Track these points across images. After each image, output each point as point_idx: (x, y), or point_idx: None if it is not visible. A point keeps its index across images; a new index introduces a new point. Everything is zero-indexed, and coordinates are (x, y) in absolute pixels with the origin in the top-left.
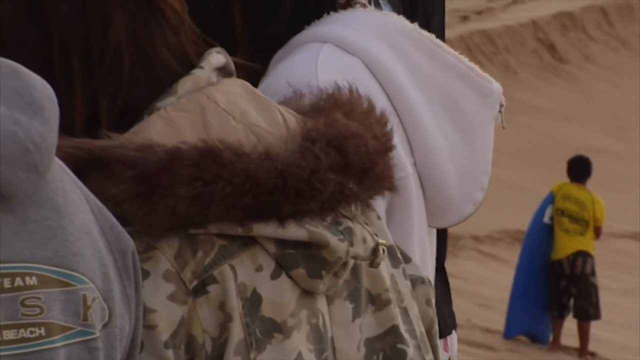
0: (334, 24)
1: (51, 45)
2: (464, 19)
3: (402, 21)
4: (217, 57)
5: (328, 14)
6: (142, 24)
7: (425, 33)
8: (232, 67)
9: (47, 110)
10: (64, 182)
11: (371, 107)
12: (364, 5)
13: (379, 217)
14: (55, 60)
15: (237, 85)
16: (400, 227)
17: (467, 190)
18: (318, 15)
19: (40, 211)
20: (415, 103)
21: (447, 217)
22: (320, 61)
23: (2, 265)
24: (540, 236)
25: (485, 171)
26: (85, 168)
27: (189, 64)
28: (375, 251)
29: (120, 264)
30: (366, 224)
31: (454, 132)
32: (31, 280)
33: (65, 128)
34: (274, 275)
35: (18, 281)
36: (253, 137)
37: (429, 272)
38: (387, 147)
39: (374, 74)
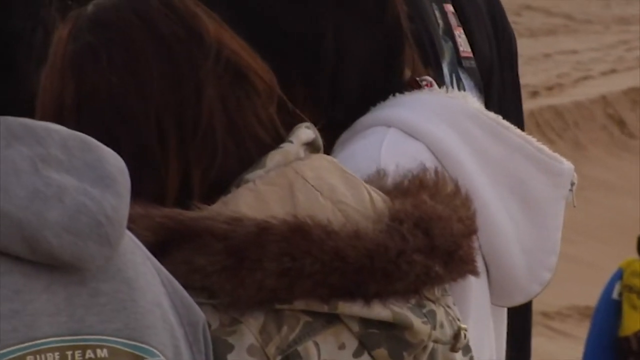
0: (399, 107)
1: (148, 116)
2: (534, 94)
3: (467, 103)
4: (306, 131)
5: (394, 95)
6: (233, 95)
7: (491, 114)
8: (320, 142)
9: (119, 183)
10: (135, 254)
11: (457, 189)
12: (430, 83)
13: (454, 303)
14: (151, 131)
15: (325, 161)
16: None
17: (534, 271)
18: (384, 96)
19: (112, 284)
20: (480, 185)
21: (513, 296)
22: (384, 147)
23: (73, 337)
24: (609, 312)
25: (553, 251)
26: (175, 238)
27: (278, 137)
28: (456, 335)
29: (191, 337)
30: (448, 307)
31: (521, 213)
32: (102, 353)
33: (157, 198)
34: (357, 354)
35: (89, 353)
36: (340, 215)
37: (486, 351)
38: (471, 230)
39: (438, 158)
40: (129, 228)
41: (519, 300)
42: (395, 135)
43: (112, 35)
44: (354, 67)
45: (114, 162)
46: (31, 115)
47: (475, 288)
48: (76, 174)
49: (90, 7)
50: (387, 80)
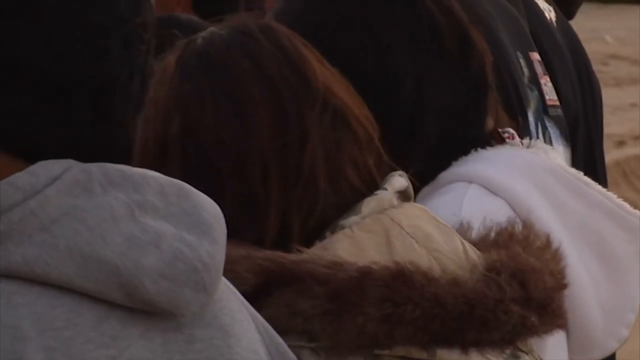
0: (480, 163)
1: (251, 160)
2: (620, 144)
3: (549, 158)
4: (399, 180)
5: (475, 148)
6: (334, 141)
7: (572, 170)
8: (412, 191)
9: (215, 230)
10: (231, 301)
11: (548, 243)
12: (512, 136)
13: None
14: (254, 174)
15: (418, 209)
16: None
17: (612, 327)
18: (465, 147)
19: (208, 330)
20: (559, 241)
21: (590, 352)
22: (465, 202)
23: None
24: None
25: (632, 308)
26: (277, 281)
27: (373, 184)
28: None
29: None
30: (540, 359)
31: (599, 270)
32: None
33: (256, 241)
34: None
35: None
36: (435, 263)
37: None
38: (562, 284)
39: (518, 214)
40: (231, 270)
41: (595, 356)
42: (476, 191)
43: (220, 77)
44: (433, 114)
45: (210, 209)
46: (128, 162)
47: (552, 342)
48: (173, 221)
49: (199, 40)
50: (468, 130)
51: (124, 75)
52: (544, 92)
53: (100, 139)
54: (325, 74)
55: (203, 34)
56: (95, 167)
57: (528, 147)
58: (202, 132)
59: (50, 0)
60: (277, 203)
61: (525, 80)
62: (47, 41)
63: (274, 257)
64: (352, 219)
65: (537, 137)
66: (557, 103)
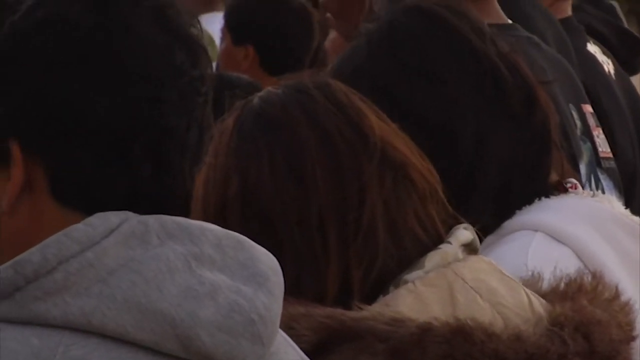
0: (545, 211)
1: (309, 217)
2: None
3: (613, 207)
4: (464, 233)
5: (539, 198)
6: (395, 194)
7: (636, 218)
8: (478, 244)
9: (271, 282)
10: (288, 354)
11: (616, 294)
12: (575, 185)
13: None
14: (313, 231)
15: (483, 263)
16: None
17: None
18: (528, 199)
19: None
20: (625, 290)
21: None
22: (531, 251)
23: None
24: None
25: None
26: (337, 338)
27: (437, 237)
28: None
29: None
30: None
31: None
32: None
33: (317, 297)
34: None
35: None
36: (499, 317)
37: None
38: (629, 336)
39: (584, 262)
40: (290, 327)
41: None
42: (542, 239)
43: (277, 135)
44: (495, 167)
45: (267, 261)
46: (185, 213)
47: None
48: (229, 273)
49: (256, 100)
50: (531, 183)
51: (181, 126)
52: (597, 144)
53: (157, 191)
54: (384, 128)
55: (260, 93)
56: (152, 219)
57: (592, 196)
58: (260, 192)
59: (108, 53)
60: (336, 258)
61: (578, 132)
62: (105, 93)
63: (334, 314)
64: (416, 274)
65: (590, 189)
66: (611, 155)
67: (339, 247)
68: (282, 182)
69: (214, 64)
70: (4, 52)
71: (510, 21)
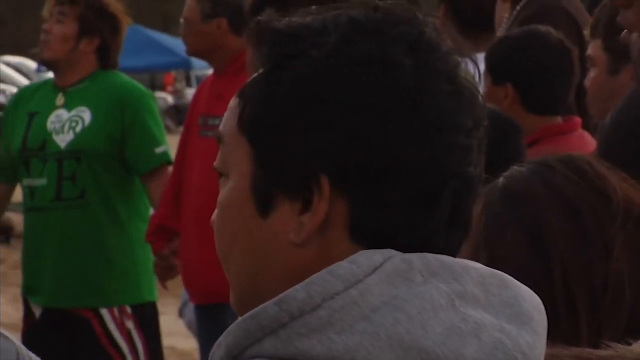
0: None
1: (553, 280)
2: None
3: None
4: None
5: None
6: (638, 251)
7: None
8: None
9: (535, 321)
10: None
11: None
12: None
13: None
14: (558, 295)
15: None
16: None
17: None
18: None
19: None
20: None
21: None
22: None
23: None
24: None
25: None
26: None
27: None
28: None
29: None
30: None
31: None
32: None
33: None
34: None
35: None
36: None
37: None
38: None
39: None
40: None
41: None
42: None
43: (519, 208)
44: None
45: (531, 300)
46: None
47: None
48: (492, 311)
49: (501, 180)
50: None
51: (477, 178)
52: None
53: (446, 238)
54: (626, 188)
55: (505, 173)
56: (415, 257)
57: None
58: (505, 262)
59: (422, 96)
60: (586, 319)
61: None
62: (420, 137)
63: (582, 353)
64: None
65: None
66: None
67: (588, 309)
68: (524, 257)
69: None
70: (318, 89)
71: None
